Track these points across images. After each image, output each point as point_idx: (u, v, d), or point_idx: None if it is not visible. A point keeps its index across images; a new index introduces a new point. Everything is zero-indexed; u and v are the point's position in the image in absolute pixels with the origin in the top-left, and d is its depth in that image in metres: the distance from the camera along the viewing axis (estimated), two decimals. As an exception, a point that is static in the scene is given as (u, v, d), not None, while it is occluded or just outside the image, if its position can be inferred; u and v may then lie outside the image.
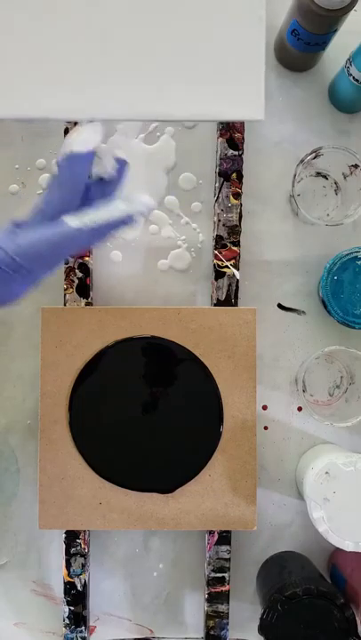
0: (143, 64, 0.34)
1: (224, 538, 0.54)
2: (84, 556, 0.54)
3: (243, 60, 0.35)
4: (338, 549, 0.54)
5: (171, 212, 0.57)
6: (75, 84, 0.34)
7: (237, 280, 0.54)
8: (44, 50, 0.33)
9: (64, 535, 0.54)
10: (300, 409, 0.57)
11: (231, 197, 0.54)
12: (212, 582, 0.54)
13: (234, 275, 0.54)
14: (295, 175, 0.51)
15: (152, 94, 0.35)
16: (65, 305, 0.54)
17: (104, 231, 0.36)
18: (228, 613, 0.54)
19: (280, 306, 0.57)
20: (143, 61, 0.34)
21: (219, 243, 0.54)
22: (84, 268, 0.54)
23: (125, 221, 0.36)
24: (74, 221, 0.35)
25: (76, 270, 0.54)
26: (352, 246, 0.52)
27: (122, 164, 0.39)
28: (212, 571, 0.54)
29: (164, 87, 0.34)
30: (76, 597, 0.54)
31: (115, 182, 0.39)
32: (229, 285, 0.54)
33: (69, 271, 0.54)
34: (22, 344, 0.56)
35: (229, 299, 0.54)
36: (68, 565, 0.54)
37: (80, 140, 0.37)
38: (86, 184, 0.38)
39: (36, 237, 0.35)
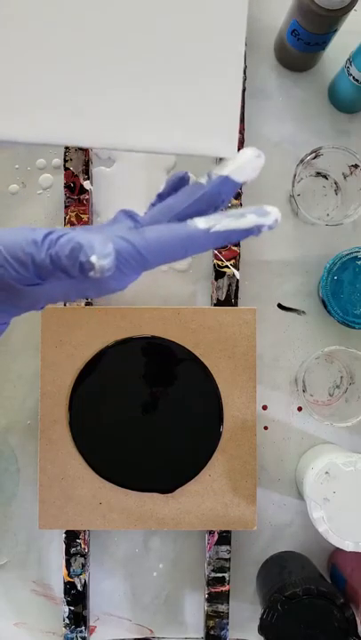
0: (119, 93, 0.33)
1: (224, 538, 0.54)
2: (84, 556, 0.54)
3: (219, 97, 0.34)
4: (338, 549, 0.54)
5: (171, 212, 0.56)
6: (56, 108, 0.33)
7: (237, 280, 0.54)
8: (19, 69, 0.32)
9: (64, 535, 0.54)
10: (300, 409, 0.57)
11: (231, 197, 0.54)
12: (212, 582, 0.54)
13: (234, 275, 0.54)
14: (295, 175, 0.51)
15: (121, 124, 0.34)
16: (65, 305, 0.54)
17: (230, 238, 0.36)
18: (228, 613, 0.54)
19: (280, 306, 0.57)
20: (119, 91, 0.33)
21: (219, 243, 0.54)
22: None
23: (252, 232, 0.36)
24: (203, 223, 0.35)
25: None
26: (352, 246, 0.52)
27: (228, 184, 0.38)
28: (212, 571, 0.54)
29: (138, 117, 0.34)
30: (76, 597, 0.54)
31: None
32: (229, 285, 0.54)
33: (69, 271, 0.54)
34: (22, 344, 0.56)
35: (229, 299, 0.54)
36: (68, 565, 0.54)
37: (243, 170, 0.36)
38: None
39: (163, 234, 0.35)
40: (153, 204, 0.40)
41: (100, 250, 0.32)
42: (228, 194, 0.37)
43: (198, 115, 0.34)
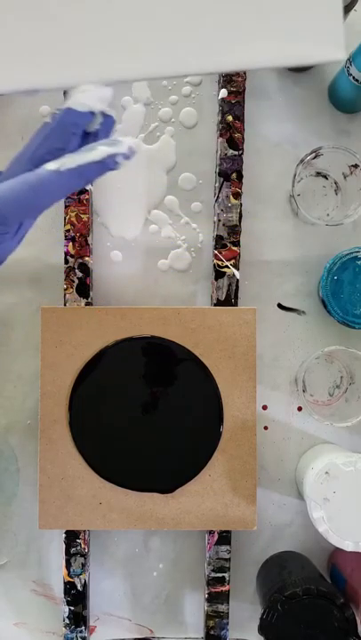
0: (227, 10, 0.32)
1: (224, 538, 0.54)
2: (84, 556, 0.54)
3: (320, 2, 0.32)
4: (338, 549, 0.54)
5: (171, 211, 0.57)
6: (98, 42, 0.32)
7: (237, 280, 0.54)
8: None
9: (64, 535, 0.54)
10: (300, 409, 0.57)
11: (231, 197, 0.54)
12: (212, 582, 0.54)
13: (234, 275, 0.54)
14: (295, 175, 0.51)
15: (213, 39, 0.32)
16: (65, 305, 0.54)
17: (85, 174, 0.34)
18: (228, 613, 0.54)
19: (280, 306, 0.57)
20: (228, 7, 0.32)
21: (219, 243, 0.54)
22: (84, 268, 0.54)
23: (108, 164, 0.35)
24: (52, 165, 0.34)
25: (76, 270, 0.54)
26: (352, 246, 0.52)
27: (109, 121, 0.37)
28: (212, 571, 0.54)
29: (226, 30, 0.32)
30: (76, 597, 0.54)
31: (99, 137, 0.37)
32: (229, 285, 0.54)
33: (69, 271, 0.54)
34: (22, 344, 0.56)
35: (229, 299, 0.54)
36: (68, 565, 0.54)
37: (84, 99, 0.35)
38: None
39: (12, 183, 0.34)
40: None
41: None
42: (78, 126, 0.35)
43: (302, 21, 0.32)
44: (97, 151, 0.34)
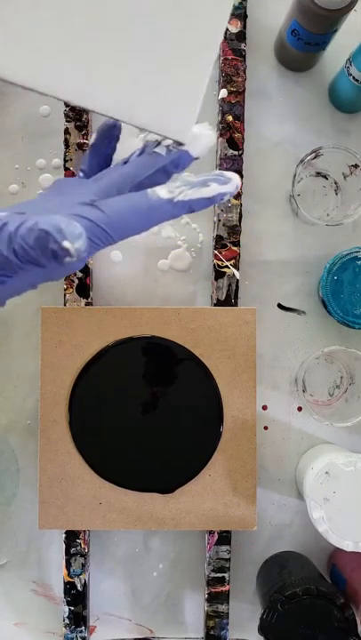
0: (99, 52, 0.33)
1: (224, 538, 0.54)
2: (84, 556, 0.54)
3: (187, 82, 0.35)
4: (338, 549, 0.54)
5: (171, 211, 0.56)
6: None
7: (237, 280, 0.54)
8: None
9: (64, 535, 0.54)
10: (300, 409, 0.57)
11: (231, 197, 0.54)
12: (212, 582, 0.54)
13: (234, 275, 0.54)
14: (295, 175, 0.51)
15: (94, 83, 0.34)
16: (65, 305, 0.54)
17: (193, 207, 0.35)
18: (228, 613, 0.54)
19: (280, 306, 0.57)
20: (100, 50, 0.33)
21: (219, 243, 0.54)
22: (84, 268, 0.54)
23: (215, 200, 0.36)
24: (166, 193, 0.35)
25: (76, 270, 0.54)
26: (352, 246, 0.52)
27: (186, 157, 0.38)
28: (212, 571, 0.54)
29: (112, 79, 0.34)
30: (76, 597, 0.54)
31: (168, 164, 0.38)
32: (229, 285, 0.54)
33: (69, 271, 0.54)
34: (22, 344, 0.56)
35: (229, 299, 0.54)
36: (68, 565, 0.54)
37: (198, 146, 0.37)
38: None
39: (124, 207, 0.34)
40: (90, 158, 0.40)
41: (70, 232, 0.30)
42: (184, 166, 0.37)
43: (164, 93, 0.35)
44: (209, 189, 0.36)
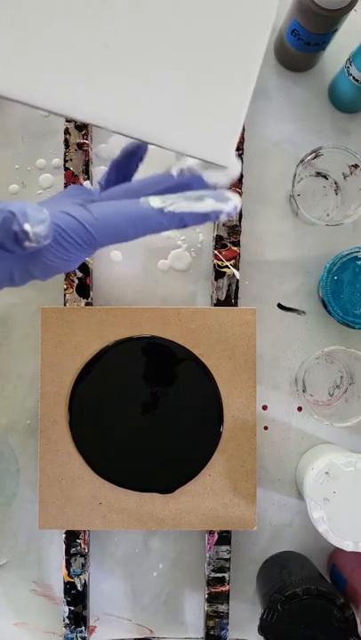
0: (133, 74, 0.32)
1: (224, 538, 0.54)
2: (84, 556, 0.54)
3: (226, 106, 0.33)
4: (338, 549, 0.54)
5: (171, 211, 0.56)
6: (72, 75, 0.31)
7: (237, 280, 0.54)
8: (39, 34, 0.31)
9: (64, 535, 0.54)
10: (300, 409, 0.57)
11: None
12: (212, 582, 0.54)
13: (234, 275, 0.54)
14: (295, 175, 0.51)
15: (128, 106, 0.32)
16: (65, 305, 0.54)
17: (185, 220, 0.34)
18: (228, 613, 0.54)
19: (280, 306, 0.57)
20: (133, 72, 0.32)
21: (219, 243, 0.54)
22: (84, 268, 0.54)
23: (210, 217, 0.34)
24: (157, 202, 0.34)
25: (76, 270, 0.54)
26: (352, 246, 0.52)
27: (198, 183, 0.36)
28: (212, 571, 0.54)
29: (146, 105, 0.32)
30: (76, 597, 0.54)
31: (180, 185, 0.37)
32: (229, 285, 0.54)
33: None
34: (22, 344, 0.56)
35: (229, 299, 0.54)
36: (68, 565, 0.54)
37: (217, 176, 0.35)
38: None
39: (112, 212, 0.34)
40: (109, 173, 0.38)
41: (33, 216, 0.30)
42: (194, 189, 0.36)
43: (203, 116, 0.33)
44: (205, 203, 0.34)
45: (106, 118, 0.32)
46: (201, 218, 0.34)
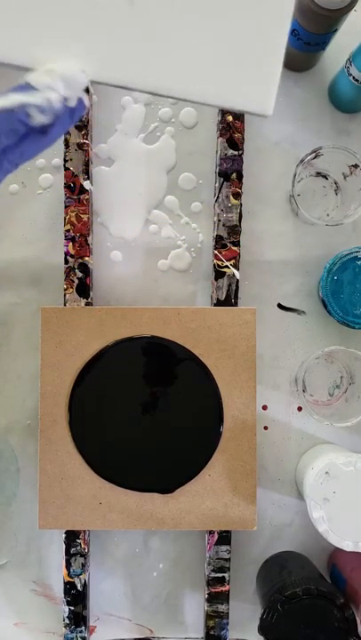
0: (160, 33, 0.31)
1: (224, 538, 0.54)
2: (84, 556, 0.54)
3: (261, 54, 0.33)
4: (338, 549, 0.54)
5: (171, 212, 0.57)
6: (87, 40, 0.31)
7: (237, 280, 0.54)
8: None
9: (64, 535, 0.54)
10: (300, 409, 0.57)
11: (231, 197, 0.54)
12: (212, 582, 0.54)
13: (234, 275, 0.54)
14: (295, 175, 0.51)
15: (163, 66, 0.32)
16: (65, 305, 0.54)
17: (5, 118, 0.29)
18: (228, 613, 0.54)
19: (280, 306, 0.57)
20: (161, 30, 0.31)
21: (219, 243, 0.54)
22: (84, 268, 0.54)
23: (17, 116, 0.29)
24: None
25: (76, 270, 0.54)
26: (352, 246, 0.52)
27: (80, 106, 0.31)
28: (212, 571, 0.54)
29: (177, 60, 0.32)
30: (76, 597, 0.54)
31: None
32: (229, 285, 0.54)
33: (69, 271, 0.54)
34: (22, 344, 0.56)
35: (229, 299, 0.54)
36: (68, 565, 0.54)
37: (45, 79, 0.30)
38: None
39: None
40: None
41: None
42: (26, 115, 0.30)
43: (239, 68, 0.33)
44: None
45: (142, 80, 0.32)
46: (8, 119, 0.28)
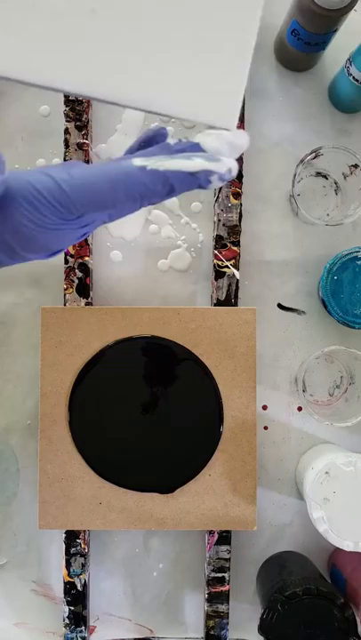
0: (131, 43, 0.31)
1: (224, 538, 0.54)
2: (84, 556, 0.54)
3: (227, 68, 0.32)
4: (338, 549, 0.54)
5: (171, 212, 0.57)
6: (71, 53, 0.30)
7: (237, 280, 0.54)
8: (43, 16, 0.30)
9: (64, 535, 0.54)
10: (300, 409, 0.57)
11: (231, 197, 0.54)
12: (212, 582, 0.54)
13: (234, 275, 0.54)
14: (295, 175, 0.51)
15: (127, 76, 0.31)
16: (65, 305, 0.54)
17: (170, 181, 0.31)
18: (228, 613, 0.54)
19: (280, 306, 0.57)
20: (131, 41, 0.31)
21: (219, 243, 0.54)
22: (84, 268, 0.54)
23: (199, 180, 0.31)
24: (139, 161, 0.31)
25: (76, 270, 0.54)
26: (352, 246, 0.52)
27: (194, 149, 0.33)
28: (212, 571, 0.54)
29: (140, 72, 0.31)
30: (76, 597, 0.54)
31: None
32: (229, 285, 0.54)
33: (69, 271, 0.54)
34: (22, 344, 0.56)
35: (229, 299, 0.54)
36: (68, 565, 0.54)
37: (219, 147, 0.32)
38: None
39: (90, 171, 0.31)
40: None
41: None
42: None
43: (204, 81, 0.32)
44: (192, 162, 0.31)
45: (104, 90, 0.31)
46: (189, 179, 0.31)
